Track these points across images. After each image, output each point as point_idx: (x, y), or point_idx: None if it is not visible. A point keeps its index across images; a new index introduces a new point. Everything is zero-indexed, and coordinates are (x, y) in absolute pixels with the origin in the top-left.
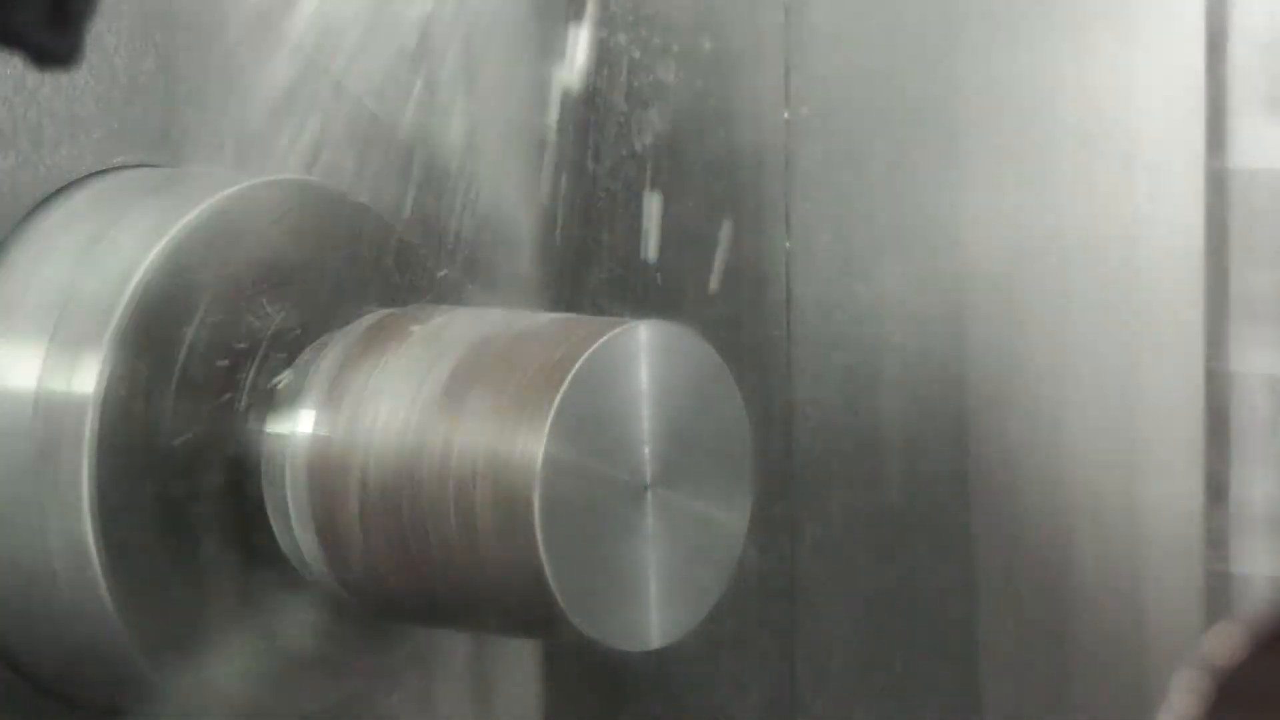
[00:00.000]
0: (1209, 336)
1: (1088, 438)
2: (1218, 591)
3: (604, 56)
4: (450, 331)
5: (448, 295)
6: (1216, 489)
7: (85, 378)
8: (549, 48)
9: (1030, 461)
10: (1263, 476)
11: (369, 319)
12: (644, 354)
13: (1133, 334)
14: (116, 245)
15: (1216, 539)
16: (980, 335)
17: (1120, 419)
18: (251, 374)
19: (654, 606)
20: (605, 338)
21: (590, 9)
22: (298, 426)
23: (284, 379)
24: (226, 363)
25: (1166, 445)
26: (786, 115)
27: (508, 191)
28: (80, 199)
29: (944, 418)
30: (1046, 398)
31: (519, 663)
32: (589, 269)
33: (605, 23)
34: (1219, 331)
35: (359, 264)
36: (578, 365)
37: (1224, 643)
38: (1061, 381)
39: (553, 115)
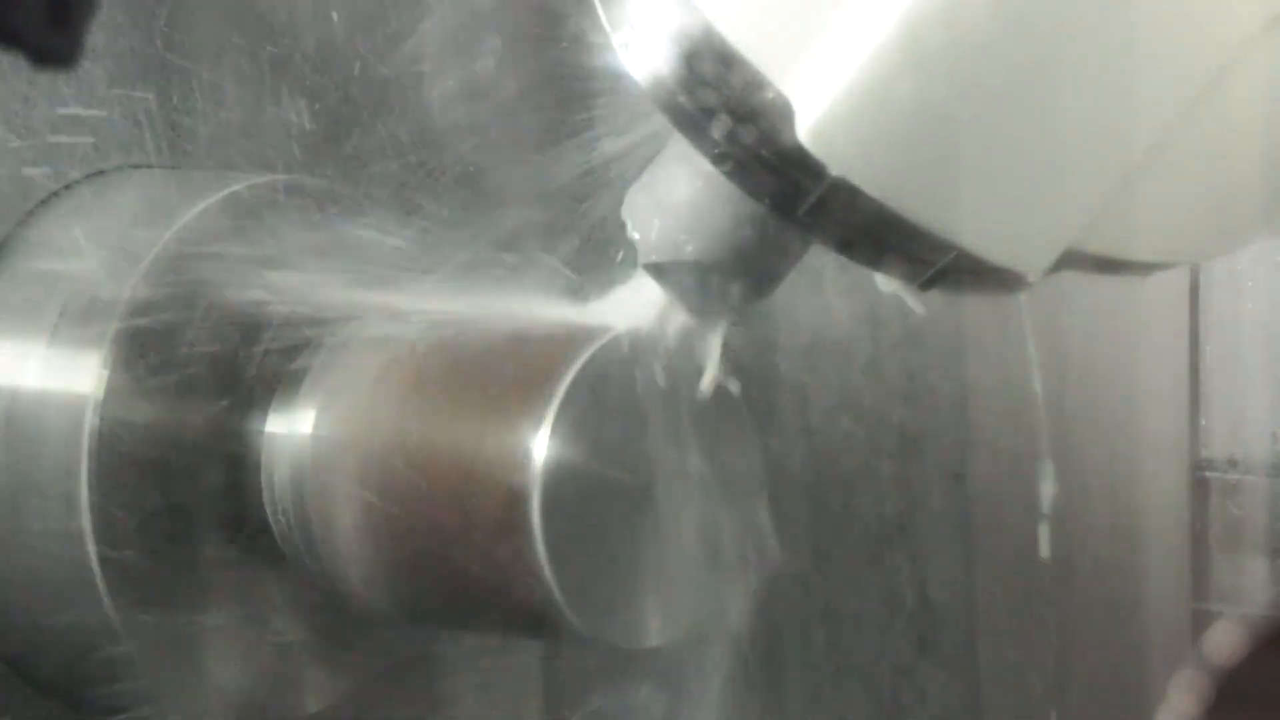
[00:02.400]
0: None
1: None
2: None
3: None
4: (450, 331)
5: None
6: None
7: (85, 378)
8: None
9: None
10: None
11: (369, 318)
12: (645, 354)
13: None
14: (116, 245)
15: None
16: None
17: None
18: (251, 374)
19: (654, 606)
20: (606, 338)
21: None
22: (297, 426)
23: (284, 379)
24: (226, 362)
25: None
26: None
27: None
28: (80, 199)
29: (941, 420)
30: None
31: None
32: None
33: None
34: None
35: (359, 263)
36: (579, 365)
37: (1223, 642)
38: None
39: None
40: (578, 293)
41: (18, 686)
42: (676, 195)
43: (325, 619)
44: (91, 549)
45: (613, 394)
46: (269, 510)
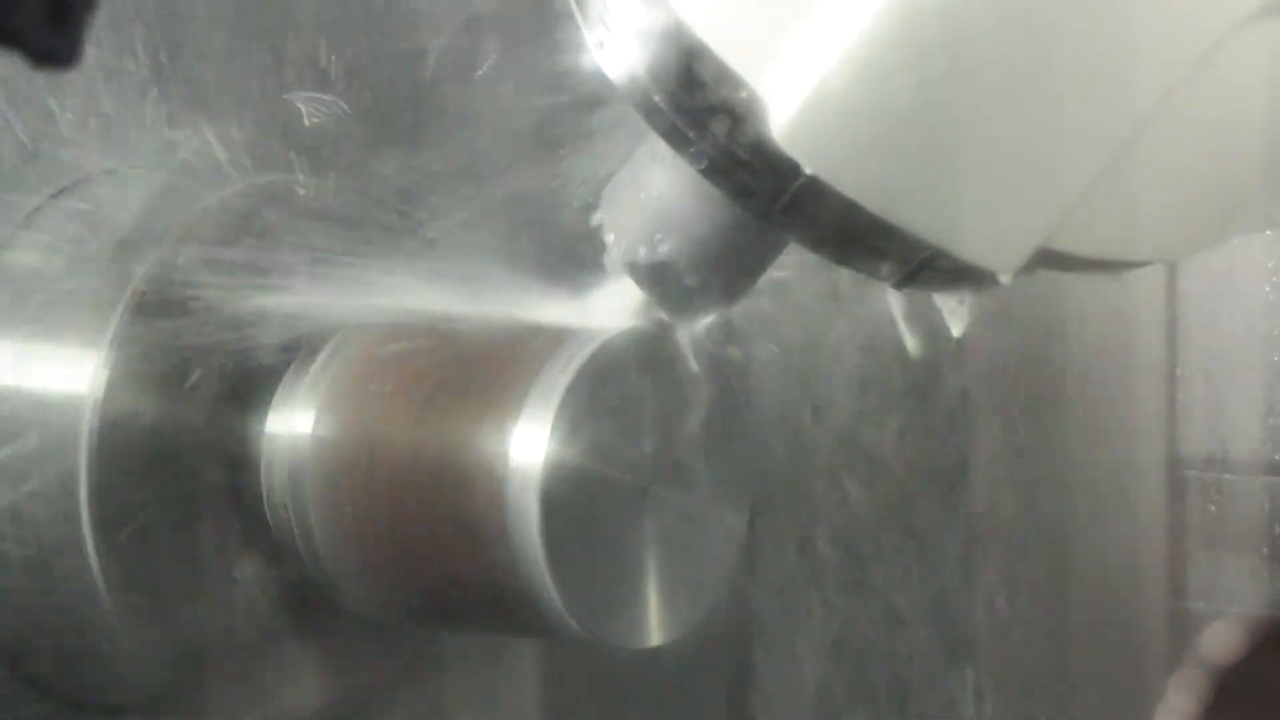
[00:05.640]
0: None
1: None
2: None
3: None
4: (451, 331)
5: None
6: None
7: (85, 378)
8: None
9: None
10: None
11: (368, 319)
12: (645, 355)
13: None
14: (116, 246)
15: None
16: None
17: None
18: (251, 374)
19: (654, 606)
20: (606, 338)
21: None
22: (297, 427)
23: (283, 379)
24: (226, 363)
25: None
26: None
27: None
28: (81, 201)
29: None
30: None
31: None
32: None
33: None
34: None
35: (358, 264)
36: (579, 366)
37: (1222, 642)
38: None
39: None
40: (559, 294)
41: (17, 686)
42: (651, 194)
43: (324, 618)
44: (91, 549)
45: (615, 394)
46: (268, 510)
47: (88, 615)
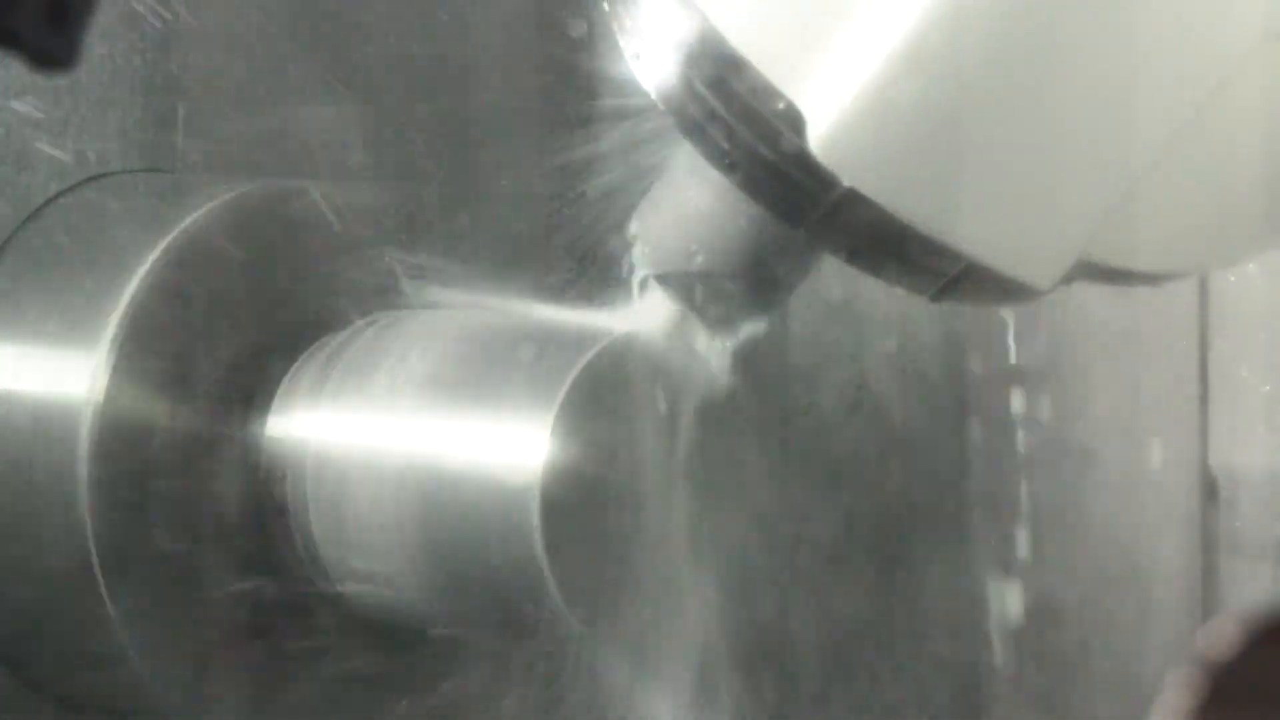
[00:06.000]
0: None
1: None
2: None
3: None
4: (452, 333)
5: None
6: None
7: (84, 381)
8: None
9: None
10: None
11: (369, 321)
12: (646, 357)
13: None
14: (116, 248)
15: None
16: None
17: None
18: (252, 377)
19: (655, 609)
20: (607, 340)
21: None
22: (298, 429)
23: (285, 381)
24: (226, 366)
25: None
26: None
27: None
28: (81, 203)
29: (944, 414)
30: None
31: None
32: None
33: None
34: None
35: (358, 267)
36: (580, 367)
37: (1219, 638)
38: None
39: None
40: (592, 305)
41: (18, 689)
42: (687, 206)
43: (328, 621)
44: (92, 552)
45: (615, 395)
46: (269, 513)
47: (89, 619)
